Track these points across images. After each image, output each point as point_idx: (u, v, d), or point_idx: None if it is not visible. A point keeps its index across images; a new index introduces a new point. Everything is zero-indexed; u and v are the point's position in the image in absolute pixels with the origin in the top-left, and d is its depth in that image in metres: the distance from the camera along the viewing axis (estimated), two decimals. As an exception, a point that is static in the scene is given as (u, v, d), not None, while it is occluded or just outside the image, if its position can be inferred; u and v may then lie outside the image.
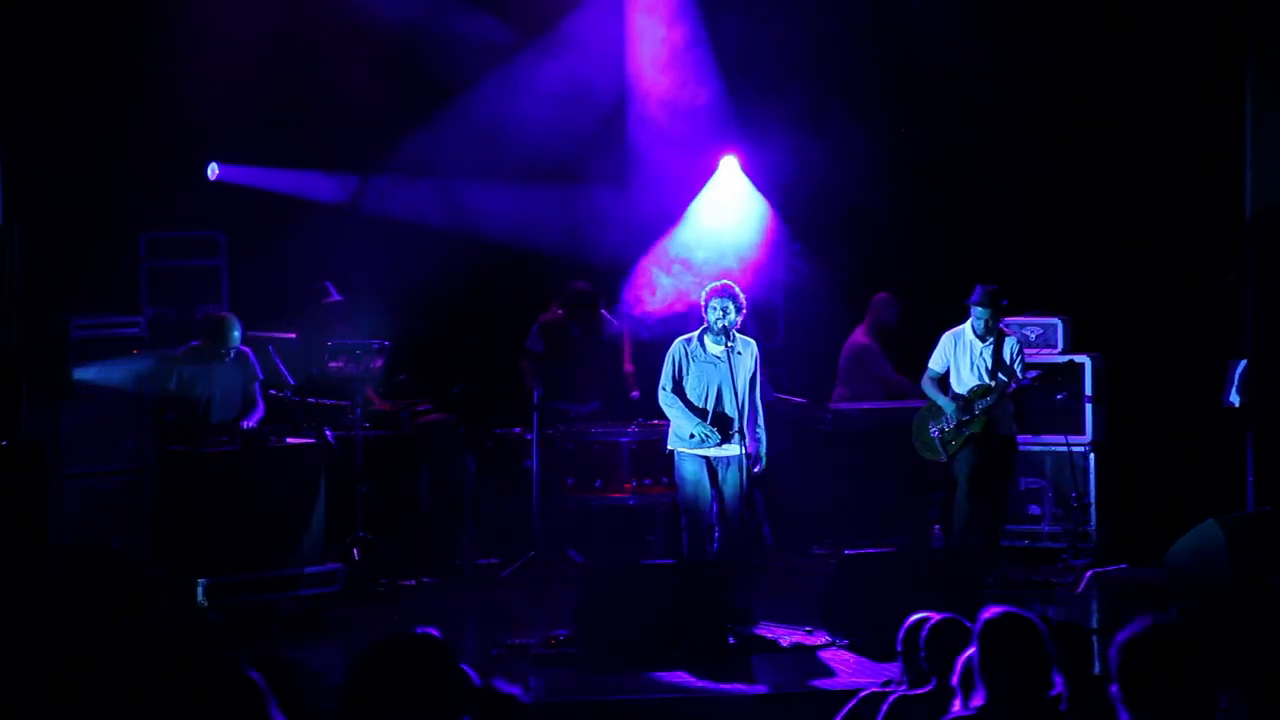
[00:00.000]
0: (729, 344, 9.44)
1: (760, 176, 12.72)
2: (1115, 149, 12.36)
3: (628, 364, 12.04)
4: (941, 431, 10.64)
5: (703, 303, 9.53)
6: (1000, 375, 10.52)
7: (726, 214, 12.43)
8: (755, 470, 9.50)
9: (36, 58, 11.50)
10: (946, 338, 10.72)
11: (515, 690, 4.36)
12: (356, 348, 11.22)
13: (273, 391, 11.22)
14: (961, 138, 12.47)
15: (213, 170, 12.25)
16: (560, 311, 12.00)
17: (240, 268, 12.26)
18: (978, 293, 10.55)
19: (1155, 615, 3.80)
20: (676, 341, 9.66)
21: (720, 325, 9.44)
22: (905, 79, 12.54)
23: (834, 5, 12.27)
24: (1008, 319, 11.17)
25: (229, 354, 10.45)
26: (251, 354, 10.57)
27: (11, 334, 9.72)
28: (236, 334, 10.50)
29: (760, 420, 9.57)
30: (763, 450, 9.54)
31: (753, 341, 9.65)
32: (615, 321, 12.07)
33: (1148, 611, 3.84)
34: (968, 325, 10.64)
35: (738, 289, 9.56)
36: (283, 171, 12.42)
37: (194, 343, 10.70)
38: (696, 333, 9.61)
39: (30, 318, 10.44)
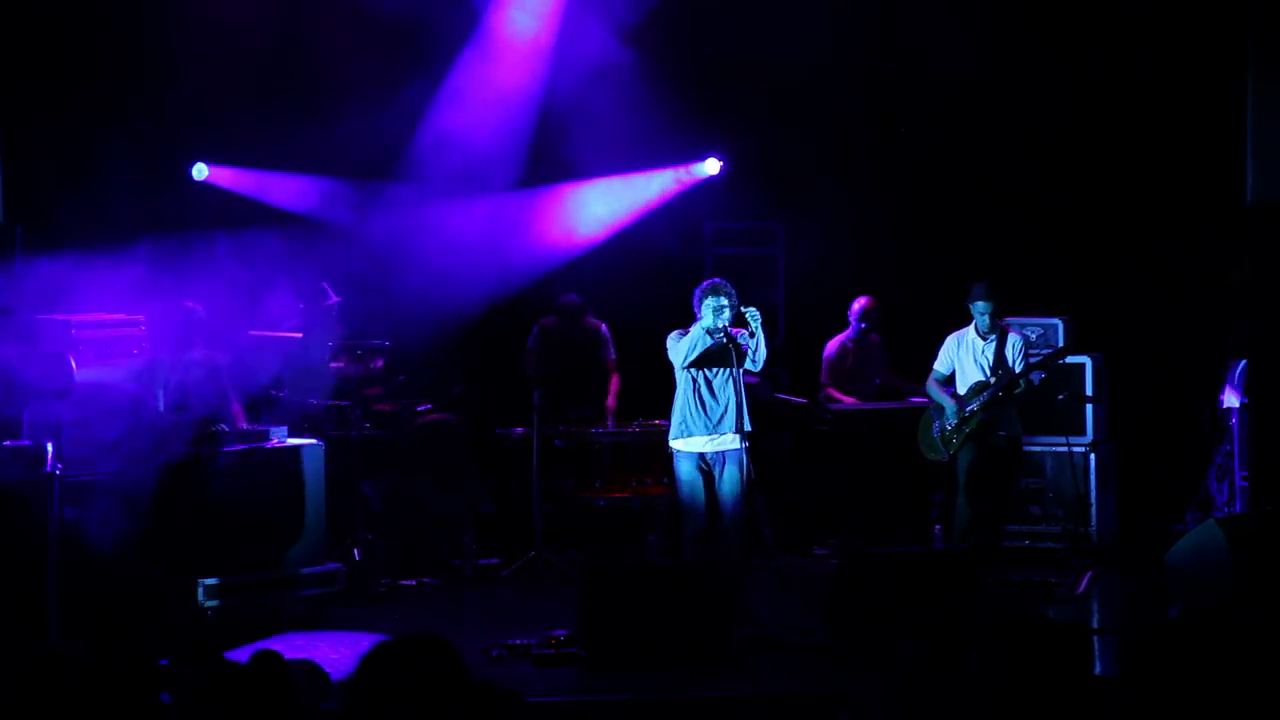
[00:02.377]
0: (730, 343, 9.45)
1: (752, 176, 12.78)
2: (1115, 148, 12.36)
3: (611, 398, 12.05)
4: (943, 431, 10.65)
5: (696, 300, 9.51)
6: (998, 373, 10.53)
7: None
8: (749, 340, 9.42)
9: (38, 57, 11.50)
10: (951, 339, 10.75)
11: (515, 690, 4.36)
12: (358, 348, 11.24)
13: (272, 392, 11.23)
14: (961, 137, 12.48)
15: (199, 171, 12.23)
16: (556, 320, 12.08)
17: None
18: (975, 289, 10.58)
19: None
20: (674, 334, 9.64)
21: (720, 324, 9.43)
22: (904, 79, 12.53)
23: (834, 7, 12.27)
24: (1009, 319, 11.18)
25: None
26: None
27: (13, 334, 9.72)
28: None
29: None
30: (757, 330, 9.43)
31: (744, 331, 9.62)
32: (603, 326, 12.13)
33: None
34: (971, 326, 10.67)
35: (728, 285, 9.55)
36: (272, 174, 12.39)
37: None
38: (698, 328, 9.59)
39: (30, 317, 10.45)
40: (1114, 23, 12.10)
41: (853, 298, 12.40)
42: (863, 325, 12.24)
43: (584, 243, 12.73)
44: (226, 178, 12.39)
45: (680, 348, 9.55)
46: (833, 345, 12.31)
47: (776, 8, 12.28)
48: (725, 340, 9.38)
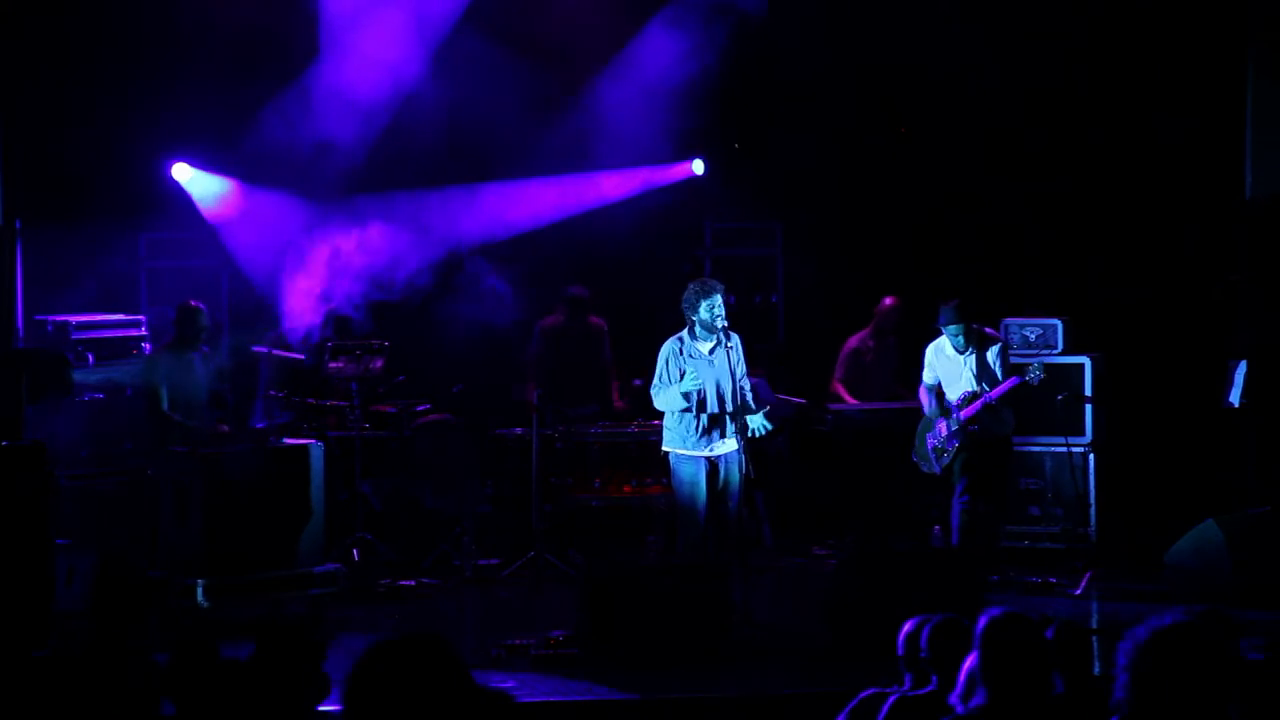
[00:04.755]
0: (726, 342, 9.47)
1: (752, 176, 12.79)
2: (1115, 148, 12.36)
3: (615, 399, 12.11)
4: (938, 443, 10.63)
5: (689, 302, 9.52)
6: (984, 384, 10.47)
7: None
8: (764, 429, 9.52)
9: (37, 56, 11.49)
10: (930, 351, 10.68)
11: (510, 688, 4.36)
12: (356, 348, 11.24)
13: (272, 392, 11.24)
14: (961, 138, 12.48)
15: (179, 171, 12.17)
16: (560, 316, 12.10)
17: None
18: (942, 314, 10.48)
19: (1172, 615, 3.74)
20: (668, 342, 9.65)
21: (720, 324, 9.45)
22: (905, 80, 12.54)
23: (835, 5, 12.28)
24: (1008, 319, 11.16)
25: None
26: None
27: (11, 334, 9.73)
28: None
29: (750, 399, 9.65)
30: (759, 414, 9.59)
31: (736, 335, 9.65)
32: (604, 324, 12.16)
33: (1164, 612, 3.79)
34: (945, 338, 10.59)
35: (717, 281, 9.62)
36: (244, 184, 12.32)
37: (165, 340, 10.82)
38: (685, 332, 9.61)
39: (30, 318, 10.46)
40: (1114, 21, 12.09)
41: (853, 298, 12.42)
42: (885, 325, 12.24)
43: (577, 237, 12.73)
44: (201, 182, 12.29)
45: (663, 398, 9.58)
46: (854, 341, 12.32)
47: (777, 6, 12.27)
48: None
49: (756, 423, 9.50)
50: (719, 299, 9.51)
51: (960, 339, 10.46)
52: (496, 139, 12.14)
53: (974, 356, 10.51)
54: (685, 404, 9.51)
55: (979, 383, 10.47)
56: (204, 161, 12.16)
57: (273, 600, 9.72)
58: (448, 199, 12.47)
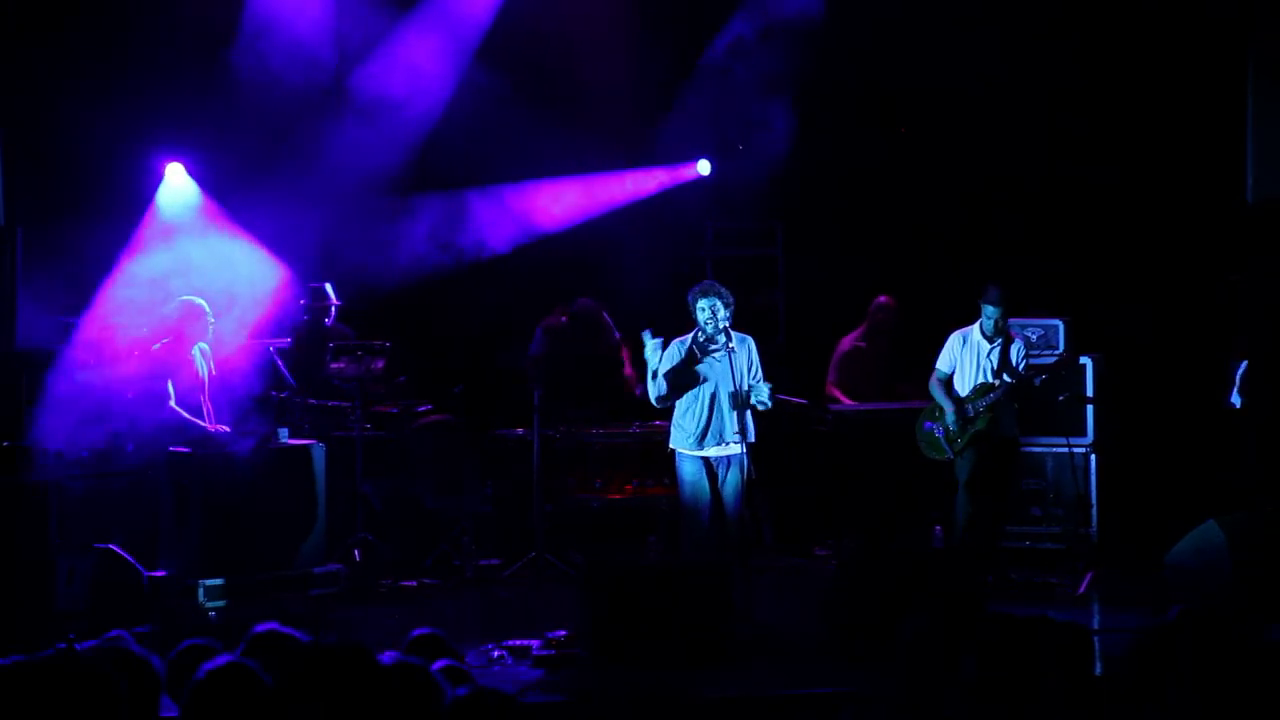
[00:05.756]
0: (727, 343, 9.48)
1: (752, 176, 12.79)
2: (1115, 149, 12.37)
3: (627, 368, 12.10)
4: (946, 430, 10.65)
5: (689, 302, 9.55)
6: (1004, 376, 10.54)
7: None
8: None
9: (37, 55, 11.49)
10: (954, 338, 10.74)
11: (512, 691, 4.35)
12: (358, 348, 11.24)
13: (273, 393, 11.25)
14: (962, 137, 12.48)
15: (173, 170, 12.13)
16: (564, 318, 12.09)
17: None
18: (990, 291, 10.57)
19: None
20: (674, 343, 9.66)
21: (713, 326, 9.46)
22: (905, 79, 12.54)
23: (835, 5, 12.28)
24: (1010, 319, 11.16)
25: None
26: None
27: (11, 334, 9.73)
28: None
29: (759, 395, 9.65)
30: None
31: (749, 338, 9.68)
32: (616, 331, 12.16)
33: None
34: (976, 326, 10.67)
35: (720, 286, 9.61)
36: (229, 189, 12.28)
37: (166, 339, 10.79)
38: (691, 335, 9.61)
39: (31, 318, 10.45)
40: (1115, 23, 12.09)
41: (853, 298, 12.42)
42: (880, 325, 12.26)
43: (577, 238, 12.73)
44: (182, 189, 12.23)
45: (650, 379, 9.61)
46: (845, 343, 12.33)
47: (778, 7, 12.29)
48: (705, 347, 9.50)
49: (762, 394, 9.51)
50: (716, 302, 9.49)
51: (992, 324, 10.54)
52: (499, 142, 12.14)
53: (999, 348, 10.58)
54: (656, 341, 9.53)
55: (998, 376, 10.52)
56: (203, 162, 12.13)
57: (274, 601, 9.73)
58: (450, 201, 12.47)
